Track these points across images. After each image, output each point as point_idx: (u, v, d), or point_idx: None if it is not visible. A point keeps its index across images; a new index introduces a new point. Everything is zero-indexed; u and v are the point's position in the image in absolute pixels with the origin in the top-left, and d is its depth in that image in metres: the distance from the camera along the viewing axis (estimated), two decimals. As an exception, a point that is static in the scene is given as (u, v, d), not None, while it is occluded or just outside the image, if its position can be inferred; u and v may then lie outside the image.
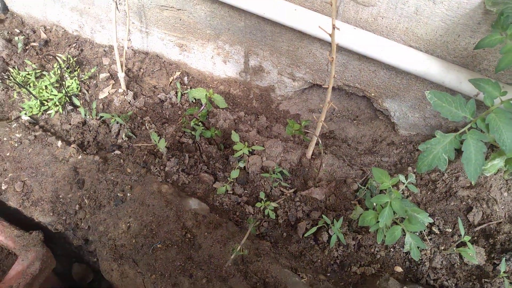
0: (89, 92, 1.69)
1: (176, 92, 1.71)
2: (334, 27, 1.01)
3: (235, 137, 1.43)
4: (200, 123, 1.38)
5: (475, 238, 1.27)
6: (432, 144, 1.02)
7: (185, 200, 1.29)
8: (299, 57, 1.54)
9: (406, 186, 1.21)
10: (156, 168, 1.37)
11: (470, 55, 1.25)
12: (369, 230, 1.16)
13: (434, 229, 1.27)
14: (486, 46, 1.05)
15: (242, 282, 1.11)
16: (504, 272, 1.12)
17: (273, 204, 1.29)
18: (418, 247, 1.10)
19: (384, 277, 1.10)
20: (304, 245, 1.27)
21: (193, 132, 1.43)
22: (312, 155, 1.42)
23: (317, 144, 1.45)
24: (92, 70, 1.75)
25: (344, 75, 1.52)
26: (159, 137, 1.38)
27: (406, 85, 1.43)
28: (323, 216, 1.22)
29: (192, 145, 1.47)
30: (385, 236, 1.11)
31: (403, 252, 1.23)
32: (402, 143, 1.60)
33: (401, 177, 1.20)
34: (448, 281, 1.17)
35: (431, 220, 1.20)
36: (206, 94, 1.11)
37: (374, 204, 1.16)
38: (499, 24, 1.03)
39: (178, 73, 1.83)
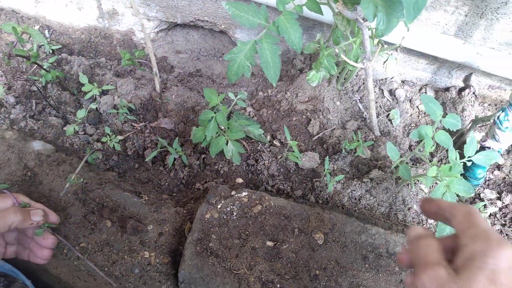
0: None
1: (34, 45, 1.67)
2: None
3: (83, 78, 1.43)
4: (43, 69, 1.37)
5: (314, 146, 1.37)
6: (235, 53, 1.08)
7: (28, 143, 1.29)
8: (146, -5, 1.55)
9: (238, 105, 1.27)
10: (1, 117, 1.36)
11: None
12: (202, 145, 1.22)
13: (276, 142, 1.35)
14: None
15: (80, 209, 1.15)
16: (328, 169, 1.22)
17: (119, 137, 1.32)
18: (238, 152, 1.17)
19: (215, 186, 1.17)
20: (154, 172, 1.33)
21: (41, 79, 1.42)
22: (163, 88, 1.45)
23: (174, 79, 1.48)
24: None
25: (191, 9, 1.54)
26: (-4, 84, 1.36)
27: (248, 12, 1.47)
28: (159, 139, 1.27)
29: (43, 92, 1.45)
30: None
31: (245, 166, 1.31)
32: (260, 72, 1.67)
33: (230, 94, 1.27)
34: (284, 184, 1.27)
35: (261, 131, 1.29)
36: (14, 27, 1.09)
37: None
38: None
39: (37, 27, 1.77)
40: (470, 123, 1.33)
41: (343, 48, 1.19)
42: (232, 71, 1.09)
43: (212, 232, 1.07)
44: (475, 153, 1.05)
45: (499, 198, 1.28)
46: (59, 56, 1.59)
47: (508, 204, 1.26)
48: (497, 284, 0.44)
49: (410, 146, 1.39)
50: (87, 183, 1.21)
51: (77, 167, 1.26)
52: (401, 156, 1.29)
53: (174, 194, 1.28)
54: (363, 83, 1.46)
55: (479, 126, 1.37)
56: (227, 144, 1.19)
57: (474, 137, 1.04)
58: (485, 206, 1.24)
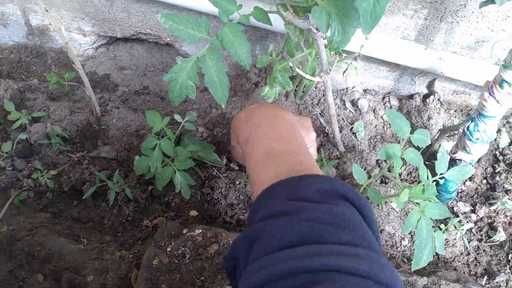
0: None
1: (-47, 69, 1.47)
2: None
3: (8, 106, 1.25)
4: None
5: (275, 167, 1.25)
6: (175, 72, 0.94)
7: None
8: (78, 8, 1.38)
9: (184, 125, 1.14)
10: None
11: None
12: (146, 178, 1.08)
13: (233, 165, 1.23)
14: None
15: (6, 263, 0.97)
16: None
17: (52, 172, 1.15)
18: (188, 185, 1.04)
19: (164, 223, 1.03)
20: (94, 209, 1.16)
21: (-42, 109, 1.23)
22: (103, 112, 1.29)
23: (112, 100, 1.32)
24: None
25: (130, 21, 1.39)
26: None
27: (194, 23, 1.34)
28: (97, 172, 1.11)
29: (-37, 124, 1.26)
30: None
31: (200, 195, 1.17)
32: (213, 86, 1.53)
33: (177, 116, 1.13)
34: (245, 214, 1.14)
35: (215, 155, 1.15)
36: None
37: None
38: None
39: (-42, 48, 1.57)
40: (438, 132, 1.25)
41: (299, 60, 1.08)
42: (174, 92, 0.95)
43: (161, 281, 0.92)
44: (447, 169, 0.96)
45: (473, 211, 1.20)
46: (-18, 80, 1.40)
47: (482, 217, 1.18)
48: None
49: (377, 161, 1.30)
50: (14, 230, 1.04)
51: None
52: (368, 173, 1.20)
53: (119, 234, 1.12)
54: (323, 95, 1.36)
55: (447, 136, 1.30)
56: (175, 173, 1.05)
57: (445, 152, 0.95)
58: (460, 222, 1.16)
